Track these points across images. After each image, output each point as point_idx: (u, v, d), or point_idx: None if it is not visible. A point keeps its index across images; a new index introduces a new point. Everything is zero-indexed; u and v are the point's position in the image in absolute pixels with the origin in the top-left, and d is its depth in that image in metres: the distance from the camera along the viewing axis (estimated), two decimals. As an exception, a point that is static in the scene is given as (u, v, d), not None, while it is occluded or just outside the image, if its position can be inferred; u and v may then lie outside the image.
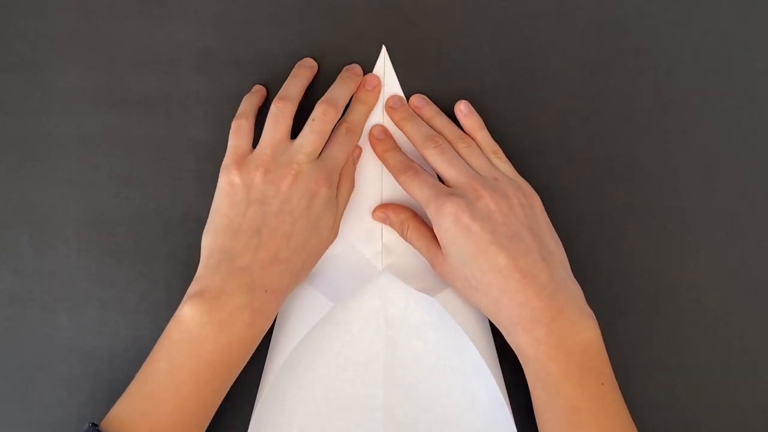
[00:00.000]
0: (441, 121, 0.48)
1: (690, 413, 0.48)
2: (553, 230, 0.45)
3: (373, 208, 0.48)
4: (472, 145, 0.47)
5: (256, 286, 0.41)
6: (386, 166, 0.48)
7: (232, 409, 0.45)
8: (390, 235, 0.48)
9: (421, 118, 0.48)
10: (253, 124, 0.46)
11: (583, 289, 0.44)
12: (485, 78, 0.50)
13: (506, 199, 0.43)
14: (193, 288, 0.42)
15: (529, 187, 0.46)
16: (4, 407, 0.48)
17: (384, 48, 0.49)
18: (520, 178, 0.46)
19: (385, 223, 0.48)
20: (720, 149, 0.49)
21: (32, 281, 0.49)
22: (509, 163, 0.47)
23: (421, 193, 0.45)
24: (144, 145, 0.50)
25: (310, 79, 0.48)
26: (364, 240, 0.48)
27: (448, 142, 0.46)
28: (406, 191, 0.46)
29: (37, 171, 0.50)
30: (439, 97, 0.49)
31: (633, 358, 0.48)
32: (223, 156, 0.47)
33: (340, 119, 0.47)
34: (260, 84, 0.49)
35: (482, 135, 0.48)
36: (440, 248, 0.44)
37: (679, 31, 0.50)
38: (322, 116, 0.45)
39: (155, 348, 0.41)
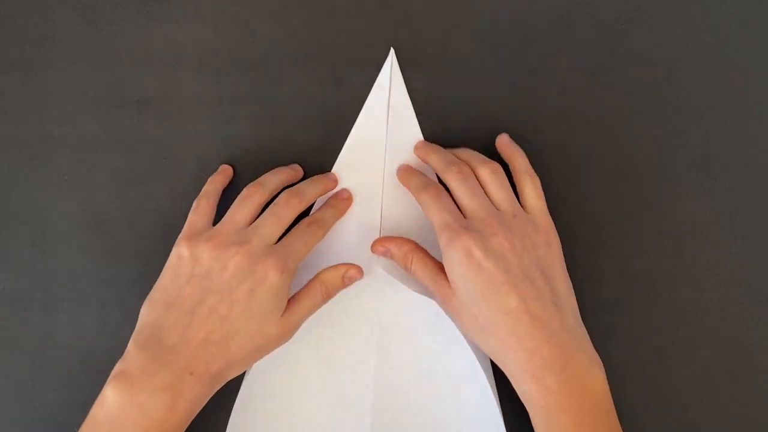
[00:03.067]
0: (466, 152, 0.47)
1: (690, 413, 0.48)
2: (566, 273, 0.44)
3: (371, 214, 0.48)
4: (498, 171, 0.45)
5: (181, 367, 0.39)
6: (408, 188, 0.46)
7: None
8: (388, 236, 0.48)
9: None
10: (214, 204, 0.45)
11: (583, 289, 0.44)
12: (485, 78, 0.50)
13: (522, 239, 0.42)
14: (118, 366, 0.40)
15: (552, 226, 0.44)
16: (4, 407, 0.48)
17: (392, 51, 0.49)
18: (547, 215, 0.44)
19: (386, 257, 0.46)
20: (720, 149, 0.49)
21: (32, 281, 0.49)
22: (542, 197, 0.45)
23: (438, 218, 0.43)
24: (144, 145, 0.50)
25: (292, 180, 0.47)
26: (361, 241, 0.48)
27: (473, 168, 0.45)
28: (423, 211, 0.44)
29: (37, 171, 0.50)
30: (439, 97, 0.49)
31: (633, 358, 0.48)
32: (224, 156, 0.47)
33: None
34: (259, 84, 0.49)
35: (521, 162, 0.46)
36: (448, 281, 0.43)
37: (679, 31, 0.50)
38: (284, 202, 0.44)
39: (81, 428, 0.40)
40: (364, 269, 0.46)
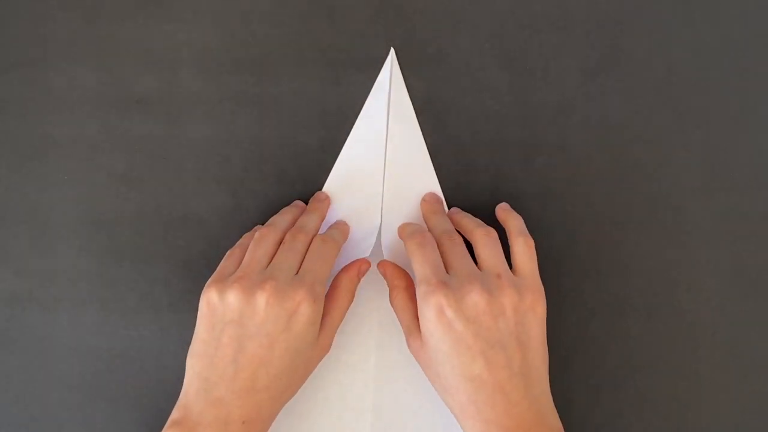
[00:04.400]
0: (466, 218, 0.46)
1: (690, 413, 0.48)
2: (544, 340, 0.42)
3: (371, 215, 0.48)
4: (491, 234, 0.44)
5: (233, 419, 0.40)
6: (399, 233, 0.47)
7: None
8: (388, 236, 0.48)
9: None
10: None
11: (583, 289, 0.44)
12: (485, 78, 0.50)
13: (500, 300, 0.40)
14: (174, 415, 0.41)
15: (540, 290, 0.42)
16: (4, 407, 0.48)
17: (392, 50, 0.49)
18: (536, 279, 0.43)
19: (382, 276, 0.47)
20: (720, 149, 0.49)
21: (32, 281, 0.49)
22: (533, 259, 0.43)
23: (418, 270, 0.42)
24: (144, 145, 0.50)
25: (298, 217, 0.47)
26: (361, 240, 0.48)
27: (468, 231, 0.44)
28: (408, 257, 0.44)
29: (37, 171, 0.50)
30: (439, 97, 0.49)
31: (633, 358, 0.48)
32: (223, 156, 0.47)
33: None
34: (259, 84, 0.49)
35: (514, 222, 0.45)
36: (420, 331, 0.42)
37: (679, 31, 0.50)
38: (292, 239, 0.43)
39: None
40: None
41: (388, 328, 0.47)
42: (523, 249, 0.43)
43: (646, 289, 0.48)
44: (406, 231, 0.46)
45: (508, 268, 0.43)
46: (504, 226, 0.45)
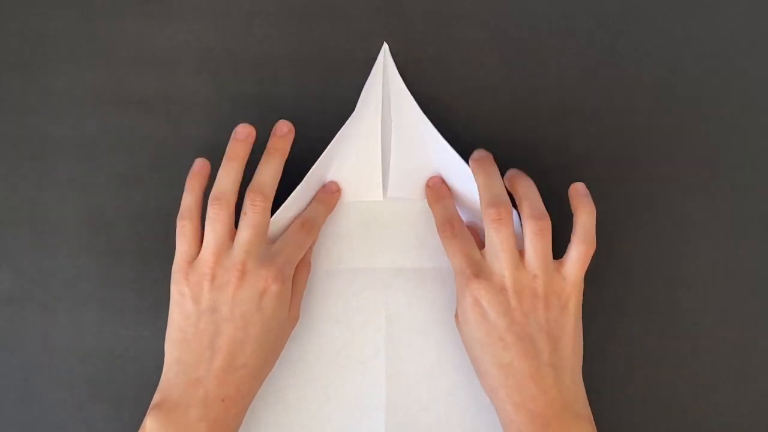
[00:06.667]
0: (524, 186, 0.44)
1: (690, 413, 0.48)
2: (577, 336, 0.43)
3: (373, 202, 0.48)
4: (543, 232, 0.42)
5: (212, 397, 0.41)
6: (432, 212, 0.47)
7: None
8: (393, 230, 0.48)
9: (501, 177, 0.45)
10: (198, 222, 0.44)
11: (583, 289, 0.44)
12: (485, 78, 0.50)
13: (533, 300, 0.42)
14: (155, 399, 0.42)
15: (577, 291, 0.43)
16: (4, 407, 0.48)
17: (385, 45, 0.49)
18: (576, 282, 0.43)
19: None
20: (720, 149, 0.49)
21: (32, 281, 0.49)
22: (583, 267, 0.43)
23: (453, 260, 0.44)
24: (144, 145, 0.50)
25: (241, 172, 0.45)
26: (361, 229, 0.48)
27: (523, 215, 0.43)
28: (443, 247, 0.45)
29: (37, 171, 0.50)
30: (439, 97, 0.49)
31: (633, 358, 0.48)
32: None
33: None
34: (259, 84, 0.49)
35: (583, 221, 0.43)
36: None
37: (679, 31, 0.50)
38: (251, 207, 0.43)
39: None
40: (365, 260, 0.48)
41: (397, 321, 0.47)
42: (578, 256, 0.43)
43: (646, 289, 0.48)
44: (436, 214, 0.47)
45: (550, 266, 0.42)
46: (573, 212, 0.44)
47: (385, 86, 0.48)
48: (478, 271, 0.43)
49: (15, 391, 0.48)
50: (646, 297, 0.48)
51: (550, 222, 0.43)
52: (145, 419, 0.41)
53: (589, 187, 0.49)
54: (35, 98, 0.50)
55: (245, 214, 0.43)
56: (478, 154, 0.46)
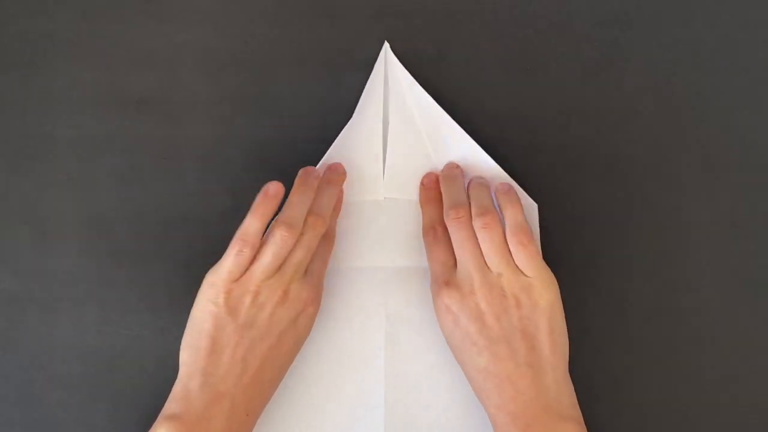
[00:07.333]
0: (477, 187, 0.46)
1: (690, 413, 0.48)
2: (555, 331, 0.42)
3: (373, 202, 0.48)
4: (490, 225, 0.43)
5: (237, 411, 0.41)
6: (422, 218, 0.48)
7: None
8: (393, 229, 0.48)
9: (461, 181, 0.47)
10: (256, 252, 0.43)
11: (583, 290, 0.44)
12: (485, 78, 0.50)
13: (502, 300, 0.42)
14: (170, 408, 0.41)
15: (544, 284, 0.42)
16: (4, 407, 0.48)
17: (386, 44, 0.49)
18: (540, 273, 0.43)
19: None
20: (720, 149, 0.49)
21: (32, 281, 0.49)
22: (536, 255, 0.43)
23: (430, 267, 0.46)
24: (144, 145, 0.50)
25: (310, 200, 0.45)
26: (363, 227, 0.48)
27: (472, 216, 0.44)
28: (425, 250, 0.47)
29: (37, 171, 0.50)
30: (439, 97, 0.49)
31: (633, 358, 0.48)
32: (223, 156, 0.47)
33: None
34: (259, 84, 0.49)
35: (511, 216, 0.44)
36: None
37: (679, 31, 0.50)
38: (311, 229, 0.44)
39: None
40: (367, 257, 0.48)
41: (396, 321, 0.47)
42: (518, 248, 0.43)
43: (646, 289, 0.48)
44: (424, 217, 0.48)
45: (510, 261, 0.43)
46: (501, 213, 0.45)
47: (386, 86, 0.49)
48: (449, 278, 0.44)
49: (15, 391, 0.48)
50: (646, 297, 0.48)
51: (496, 216, 0.43)
52: (157, 429, 0.40)
53: (588, 187, 0.49)
54: (35, 98, 0.50)
55: (303, 235, 0.43)
56: (448, 170, 0.48)
